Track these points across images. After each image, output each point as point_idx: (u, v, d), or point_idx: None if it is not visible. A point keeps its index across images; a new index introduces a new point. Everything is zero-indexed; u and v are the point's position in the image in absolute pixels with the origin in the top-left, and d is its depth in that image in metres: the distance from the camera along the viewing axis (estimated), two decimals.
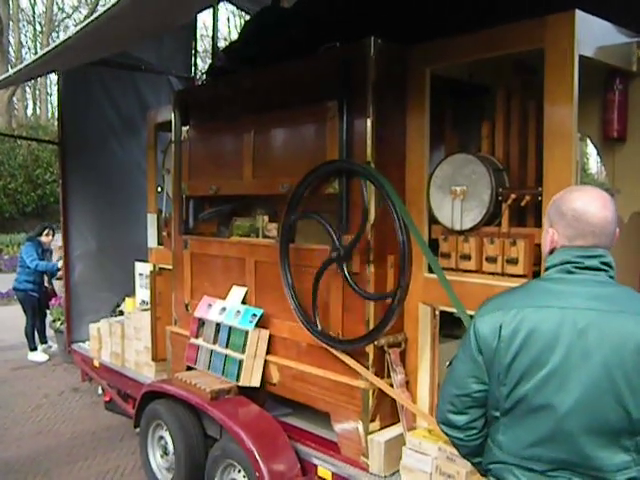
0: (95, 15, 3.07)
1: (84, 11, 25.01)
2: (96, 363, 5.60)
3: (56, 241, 8.18)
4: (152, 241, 5.37)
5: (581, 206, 1.80)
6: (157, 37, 5.81)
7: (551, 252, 1.88)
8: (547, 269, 1.88)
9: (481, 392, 1.85)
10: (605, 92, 3.20)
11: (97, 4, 23.26)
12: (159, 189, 5.43)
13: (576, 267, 1.79)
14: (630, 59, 3.14)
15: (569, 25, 2.69)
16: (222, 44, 13.79)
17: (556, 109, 2.75)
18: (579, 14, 2.70)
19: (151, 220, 5.42)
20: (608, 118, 3.21)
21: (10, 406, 6.34)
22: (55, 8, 25.87)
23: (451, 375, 1.95)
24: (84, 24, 3.18)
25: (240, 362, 3.80)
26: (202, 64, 9.98)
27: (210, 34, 6.94)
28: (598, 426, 1.68)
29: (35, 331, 8.19)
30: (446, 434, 1.98)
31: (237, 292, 4.08)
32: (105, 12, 2.96)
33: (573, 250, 1.80)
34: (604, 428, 1.68)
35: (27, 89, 26.52)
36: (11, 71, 4.86)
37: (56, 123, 8.10)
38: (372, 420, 3.33)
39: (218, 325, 4.04)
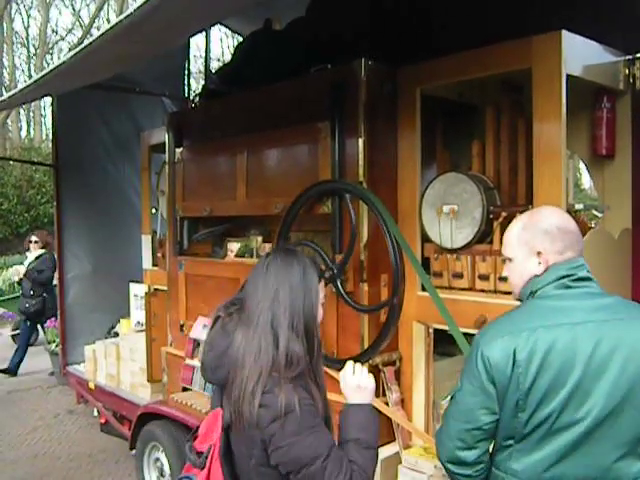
0: (89, 40, 3.10)
1: (78, 33, 25.13)
2: (91, 385, 5.57)
3: None
4: (147, 262, 5.37)
5: (559, 219, 1.85)
6: (150, 60, 5.85)
7: (528, 281, 1.88)
8: (539, 289, 1.84)
9: (492, 423, 1.79)
10: (593, 110, 3.24)
11: (91, 27, 23.36)
12: (153, 210, 5.45)
13: (572, 280, 1.81)
14: (617, 77, 3.19)
15: (556, 45, 2.73)
16: (215, 65, 13.87)
17: (545, 127, 2.78)
18: (565, 34, 2.73)
19: (146, 241, 5.44)
20: (597, 135, 3.25)
21: (5, 429, 6.30)
22: (49, 30, 25.99)
23: (457, 409, 1.85)
24: (78, 49, 3.21)
25: None
26: (196, 85, 10.03)
27: (203, 55, 6.97)
28: (619, 436, 1.70)
29: None
30: (453, 473, 1.87)
31: None
32: (99, 37, 2.99)
33: (565, 264, 1.82)
34: (624, 437, 1.70)
35: (21, 111, 26.47)
36: (5, 95, 4.88)
37: (50, 145, 8.12)
38: None
39: None
